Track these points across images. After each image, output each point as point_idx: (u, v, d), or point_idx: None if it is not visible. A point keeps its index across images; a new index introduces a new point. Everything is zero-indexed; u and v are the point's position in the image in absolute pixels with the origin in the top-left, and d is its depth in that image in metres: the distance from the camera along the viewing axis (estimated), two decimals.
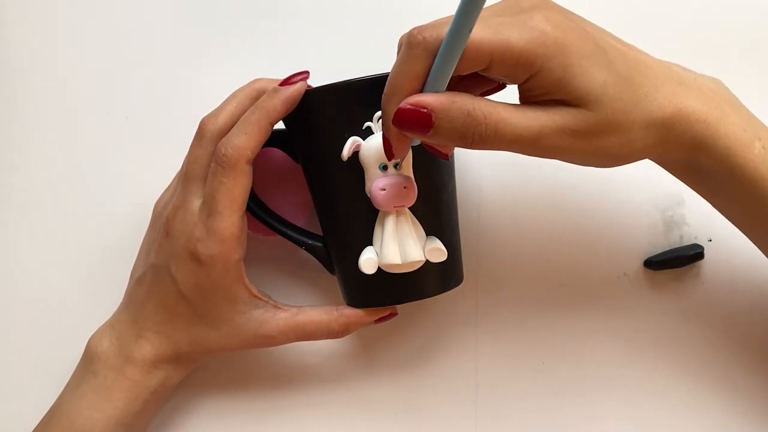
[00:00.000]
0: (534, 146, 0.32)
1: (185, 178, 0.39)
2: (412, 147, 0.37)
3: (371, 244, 0.38)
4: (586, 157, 0.33)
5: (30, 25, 0.47)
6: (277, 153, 0.43)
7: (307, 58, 0.46)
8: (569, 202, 0.45)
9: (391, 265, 0.37)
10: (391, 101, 0.32)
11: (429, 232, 0.38)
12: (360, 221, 0.38)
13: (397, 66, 0.32)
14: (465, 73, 0.32)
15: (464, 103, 0.31)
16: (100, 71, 0.47)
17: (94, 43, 0.47)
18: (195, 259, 0.38)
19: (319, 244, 0.42)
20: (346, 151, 0.36)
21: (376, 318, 0.41)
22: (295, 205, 0.44)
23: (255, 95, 0.39)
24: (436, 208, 0.39)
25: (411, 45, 0.31)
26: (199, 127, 0.39)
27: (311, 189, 0.41)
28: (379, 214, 0.38)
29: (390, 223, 0.37)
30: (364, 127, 0.37)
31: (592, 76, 0.31)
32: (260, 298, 0.40)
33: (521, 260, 0.45)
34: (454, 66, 0.30)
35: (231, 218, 0.38)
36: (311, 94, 0.38)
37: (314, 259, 0.42)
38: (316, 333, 0.40)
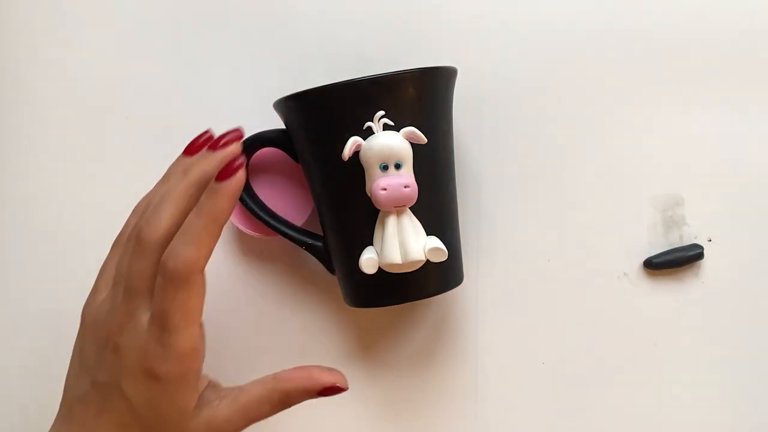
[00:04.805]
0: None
1: (128, 292, 0.35)
2: (413, 146, 0.37)
3: (371, 244, 0.38)
4: None
5: (30, 26, 0.47)
6: (277, 153, 0.43)
7: (306, 57, 0.46)
8: (569, 202, 0.45)
9: (391, 264, 0.37)
10: None
11: (429, 232, 0.38)
12: (360, 221, 0.38)
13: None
14: None
15: None
16: (100, 71, 0.47)
17: (95, 43, 0.47)
18: (151, 376, 0.35)
19: (319, 244, 0.42)
20: (347, 151, 0.36)
21: (320, 389, 0.37)
22: (295, 205, 0.44)
23: (192, 191, 0.35)
24: (436, 208, 0.39)
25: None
26: (137, 238, 0.35)
27: (311, 189, 0.41)
28: (380, 214, 0.38)
29: (390, 223, 0.37)
30: (364, 127, 0.37)
31: None
32: (204, 396, 0.37)
33: (521, 260, 0.45)
34: None
35: (188, 331, 0.34)
36: (312, 94, 0.38)
37: (314, 259, 0.42)
38: (261, 410, 0.37)
